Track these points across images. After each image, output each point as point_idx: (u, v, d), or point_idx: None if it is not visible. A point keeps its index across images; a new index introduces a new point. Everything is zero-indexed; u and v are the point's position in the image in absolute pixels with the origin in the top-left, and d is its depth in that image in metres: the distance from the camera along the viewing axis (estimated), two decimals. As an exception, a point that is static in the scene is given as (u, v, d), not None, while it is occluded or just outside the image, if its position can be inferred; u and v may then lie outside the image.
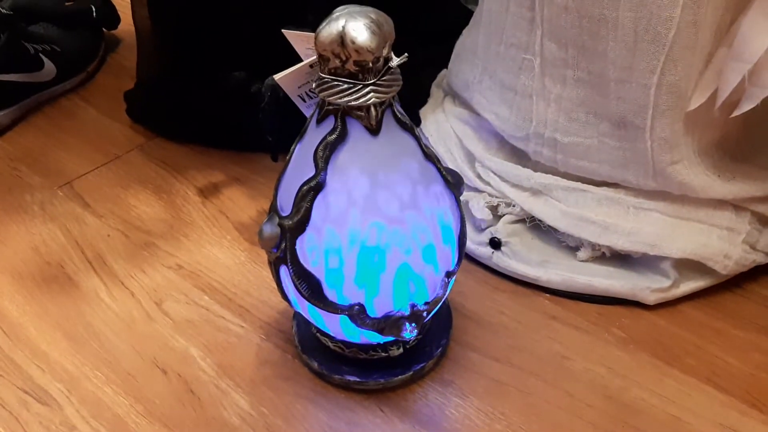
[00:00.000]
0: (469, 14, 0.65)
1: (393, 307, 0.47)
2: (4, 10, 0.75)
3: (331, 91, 0.42)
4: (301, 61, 0.52)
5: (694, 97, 0.52)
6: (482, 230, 0.60)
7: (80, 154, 0.74)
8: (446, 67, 0.69)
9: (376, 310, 0.46)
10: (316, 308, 0.47)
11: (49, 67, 0.80)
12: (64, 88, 0.82)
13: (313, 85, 0.43)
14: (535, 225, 0.59)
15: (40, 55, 0.79)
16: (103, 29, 0.89)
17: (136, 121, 0.77)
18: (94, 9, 0.86)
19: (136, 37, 0.76)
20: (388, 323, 0.47)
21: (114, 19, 0.89)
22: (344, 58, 0.41)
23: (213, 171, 0.71)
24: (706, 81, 0.51)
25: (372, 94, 0.41)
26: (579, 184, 0.57)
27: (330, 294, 0.46)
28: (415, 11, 0.71)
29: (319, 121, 0.44)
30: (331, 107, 0.43)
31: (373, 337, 0.48)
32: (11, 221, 0.67)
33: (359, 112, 0.42)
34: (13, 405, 0.51)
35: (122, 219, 0.66)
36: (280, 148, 0.56)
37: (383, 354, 0.51)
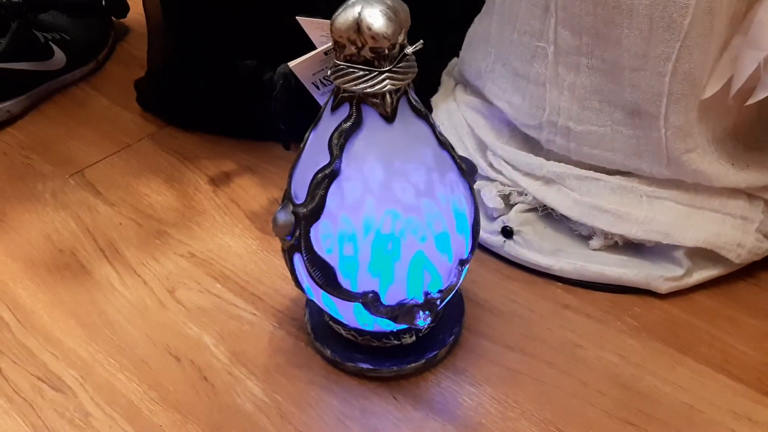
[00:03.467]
0: (481, 2, 0.65)
1: (407, 295, 0.47)
2: (14, -1, 0.75)
3: (346, 78, 0.42)
4: (314, 48, 0.52)
5: (709, 85, 0.51)
6: (494, 219, 0.60)
7: (91, 142, 0.74)
8: (457, 56, 0.68)
9: (390, 297, 0.46)
10: (330, 296, 0.47)
11: (59, 56, 0.80)
12: (74, 76, 0.82)
13: (328, 73, 0.43)
14: (547, 214, 0.59)
15: (50, 43, 0.79)
16: (113, 18, 0.89)
17: (147, 109, 0.78)
18: (103, -3, 0.86)
19: (147, 26, 0.76)
20: (401, 311, 0.47)
21: (123, 8, 0.89)
22: (360, 45, 0.40)
23: (224, 160, 0.71)
24: (721, 69, 0.51)
25: (387, 81, 0.41)
26: (592, 173, 0.57)
27: (344, 282, 0.46)
28: (426, -1, 0.71)
29: (333, 109, 0.44)
30: (346, 94, 0.43)
31: (387, 325, 0.48)
32: (23, 209, 0.67)
33: (374, 100, 0.42)
34: (28, 392, 0.52)
35: (134, 207, 0.66)
36: (292, 137, 0.56)
37: (396, 342, 0.51)
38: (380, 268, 0.45)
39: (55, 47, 0.79)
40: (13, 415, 0.50)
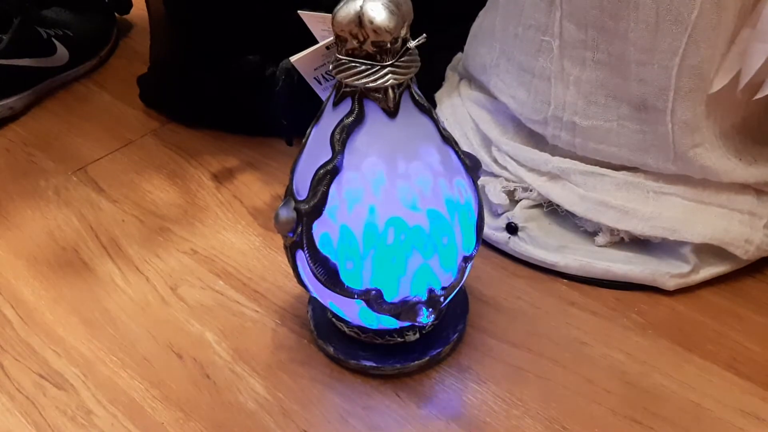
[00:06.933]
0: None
1: (410, 293, 0.46)
2: (16, -5, 0.75)
3: (348, 72, 0.41)
4: (317, 43, 0.52)
5: (717, 79, 0.51)
6: (499, 215, 0.60)
7: (94, 139, 0.74)
8: (461, 50, 0.68)
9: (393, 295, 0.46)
10: (333, 293, 0.47)
11: (62, 52, 0.80)
12: (77, 72, 0.82)
13: (330, 67, 0.43)
14: (552, 210, 0.59)
15: (53, 39, 0.79)
16: (116, 14, 0.89)
17: (150, 106, 0.77)
18: (106, -7, 0.86)
19: (149, 22, 0.76)
20: (404, 308, 0.46)
21: (126, 4, 0.89)
22: (362, 39, 0.40)
23: (227, 156, 0.71)
24: (728, 62, 0.50)
25: (390, 75, 0.41)
26: (597, 168, 0.56)
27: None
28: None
29: (335, 104, 0.43)
30: (348, 89, 0.42)
31: (390, 323, 0.48)
32: (26, 206, 0.67)
33: (377, 94, 0.42)
34: (30, 389, 0.52)
35: (137, 204, 0.66)
36: (294, 132, 0.56)
37: (399, 339, 0.51)
38: (383, 265, 0.45)
39: (57, 43, 0.79)
40: (15, 412, 0.50)
